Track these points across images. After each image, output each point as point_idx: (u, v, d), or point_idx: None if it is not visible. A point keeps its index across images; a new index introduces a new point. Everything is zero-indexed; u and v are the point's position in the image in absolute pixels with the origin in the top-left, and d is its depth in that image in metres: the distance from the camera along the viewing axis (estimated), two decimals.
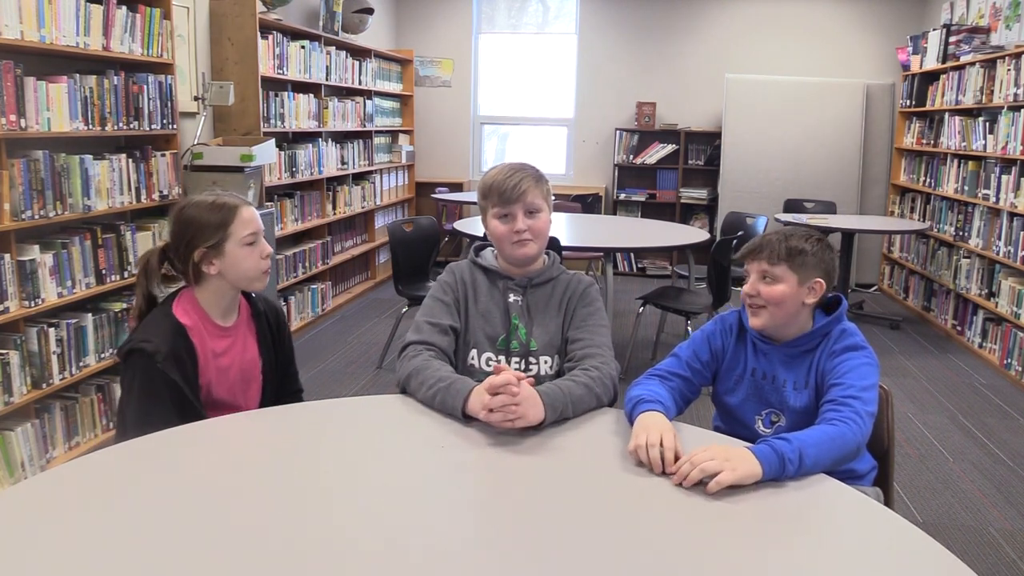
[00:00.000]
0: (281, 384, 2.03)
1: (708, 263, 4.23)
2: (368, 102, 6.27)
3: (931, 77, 6.08)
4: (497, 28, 7.44)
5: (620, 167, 7.24)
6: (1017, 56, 4.58)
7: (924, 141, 6.13)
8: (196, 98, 4.19)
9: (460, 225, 4.64)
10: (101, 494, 1.29)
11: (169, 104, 3.60)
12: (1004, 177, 4.66)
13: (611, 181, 7.32)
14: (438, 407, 1.64)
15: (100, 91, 3.14)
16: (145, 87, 3.42)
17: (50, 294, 2.95)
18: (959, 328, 5.27)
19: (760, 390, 1.79)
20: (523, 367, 1.85)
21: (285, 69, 4.84)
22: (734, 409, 1.83)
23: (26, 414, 2.89)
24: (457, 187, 7.26)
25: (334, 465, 1.45)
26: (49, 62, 3.06)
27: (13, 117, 2.71)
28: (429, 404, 1.66)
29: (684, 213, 7.20)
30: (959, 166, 5.40)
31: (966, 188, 5.23)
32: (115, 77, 3.22)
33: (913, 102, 6.32)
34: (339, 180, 5.77)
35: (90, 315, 3.15)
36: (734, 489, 1.34)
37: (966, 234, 5.21)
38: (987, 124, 4.95)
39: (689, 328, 4.39)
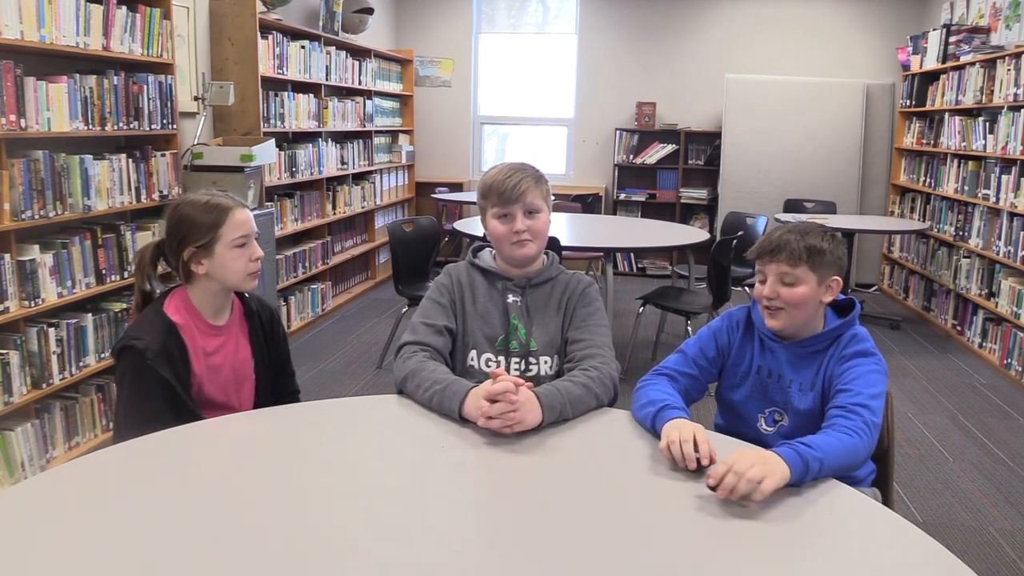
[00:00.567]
0: (277, 385, 2.03)
1: (708, 263, 4.23)
2: (368, 102, 6.27)
3: (931, 77, 6.08)
4: (497, 28, 7.44)
5: (620, 167, 7.24)
6: (1017, 56, 4.58)
7: (924, 141, 6.13)
8: (196, 98, 4.19)
9: (460, 225, 4.64)
10: (101, 494, 1.29)
11: (169, 104, 3.60)
12: (1004, 177, 4.66)
13: (611, 181, 7.32)
14: (435, 409, 1.64)
15: (100, 91, 3.14)
16: (145, 87, 3.42)
17: (50, 294, 2.95)
18: (959, 328, 5.27)
19: (765, 388, 1.78)
20: (523, 367, 1.85)
21: (285, 69, 4.84)
22: (737, 405, 1.81)
23: (26, 414, 2.89)
24: (457, 187, 7.26)
25: (334, 465, 1.45)
26: (49, 62, 3.06)
27: (13, 117, 2.71)
28: (426, 406, 1.66)
29: (684, 213, 7.20)
30: (959, 166, 5.40)
31: (966, 188, 5.23)
32: (115, 77, 3.22)
33: (913, 102, 6.32)
34: (339, 180, 5.77)
35: (90, 315, 3.15)
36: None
37: (966, 234, 5.21)
38: (987, 124, 4.95)
39: (689, 328, 4.39)
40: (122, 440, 1.55)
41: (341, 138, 5.90)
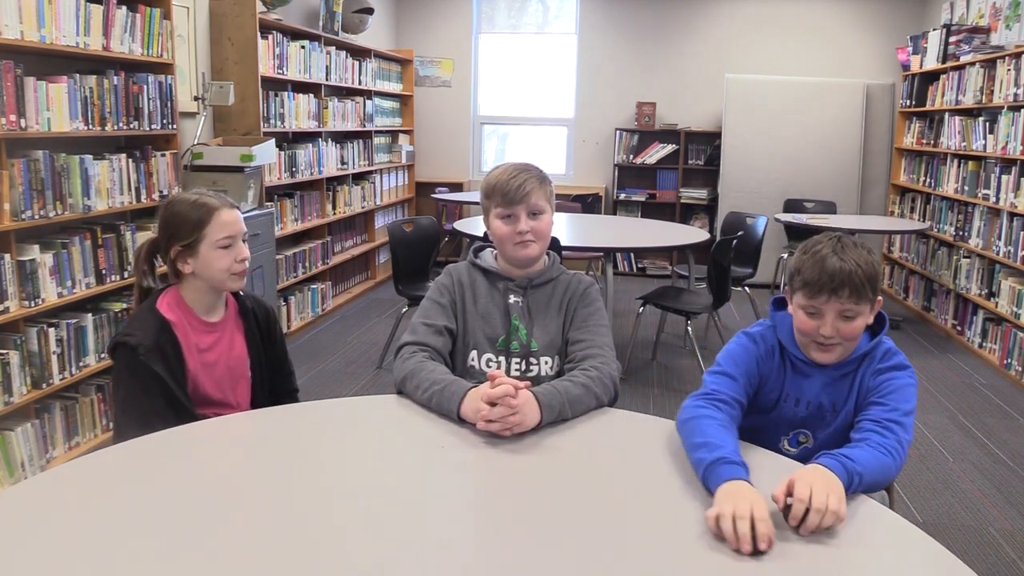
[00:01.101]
0: (276, 384, 2.03)
1: (708, 263, 4.23)
2: (368, 102, 6.27)
3: (931, 77, 6.08)
4: (497, 28, 7.44)
5: (620, 167, 7.24)
6: (1017, 56, 4.58)
7: (924, 141, 6.13)
8: (196, 98, 4.19)
9: (460, 225, 4.64)
10: (101, 494, 1.29)
11: (169, 104, 3.60)
12: (1004, 177, 4.66)
13: (611, 181, 7.32)
14: (434, 409, 1.64)
15: (100, 91, 3.14)
16: (145, 87, 3.41)
17: (50, 294, 2.95)
18: (959, 328, 5.27)
19: (793, 413, 1.68)
20: (523, 368, 1.84)
21: (285, 69, 4.84)
22: (757, 428, 1.68)
23: (26, 414, 2.89)
24: (457, 187, 7.26)
25: (334, 465, 1.45)
26: (49, 62, 3.06)
27: (13, 117, 2.71)
28: (425, 406, 1.66)
29: (684, 213, 7.20)
30: (959, 166, 5.40)
31: (966, 188, 5.23)
32: (115, 77, 3.22)
33: (913, 102, 6.31)
34: (339, 180, 5.77)
35: (90, 315, 3.15)
36: None
37: (966, 234, 5.21)
38: (987, 124, 4.95)
39: (689, 328, 4.40)
40: (122, 437, 1.56)
41: (341, 138, 5.90)
